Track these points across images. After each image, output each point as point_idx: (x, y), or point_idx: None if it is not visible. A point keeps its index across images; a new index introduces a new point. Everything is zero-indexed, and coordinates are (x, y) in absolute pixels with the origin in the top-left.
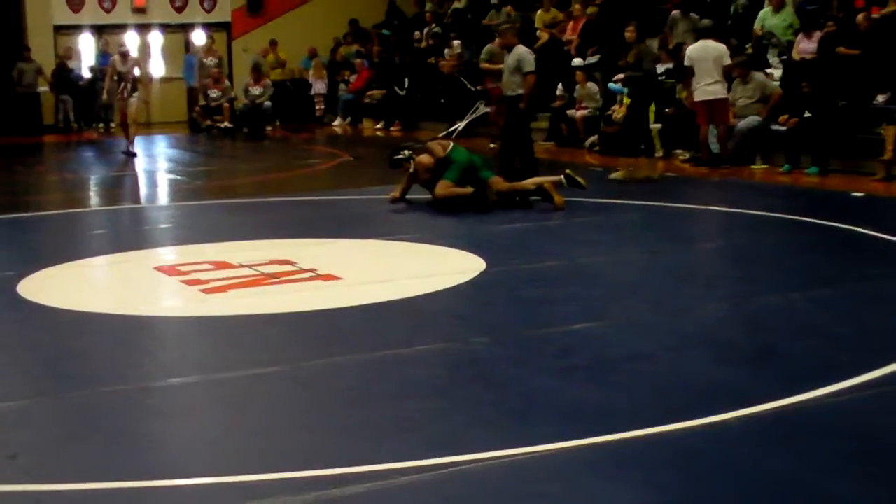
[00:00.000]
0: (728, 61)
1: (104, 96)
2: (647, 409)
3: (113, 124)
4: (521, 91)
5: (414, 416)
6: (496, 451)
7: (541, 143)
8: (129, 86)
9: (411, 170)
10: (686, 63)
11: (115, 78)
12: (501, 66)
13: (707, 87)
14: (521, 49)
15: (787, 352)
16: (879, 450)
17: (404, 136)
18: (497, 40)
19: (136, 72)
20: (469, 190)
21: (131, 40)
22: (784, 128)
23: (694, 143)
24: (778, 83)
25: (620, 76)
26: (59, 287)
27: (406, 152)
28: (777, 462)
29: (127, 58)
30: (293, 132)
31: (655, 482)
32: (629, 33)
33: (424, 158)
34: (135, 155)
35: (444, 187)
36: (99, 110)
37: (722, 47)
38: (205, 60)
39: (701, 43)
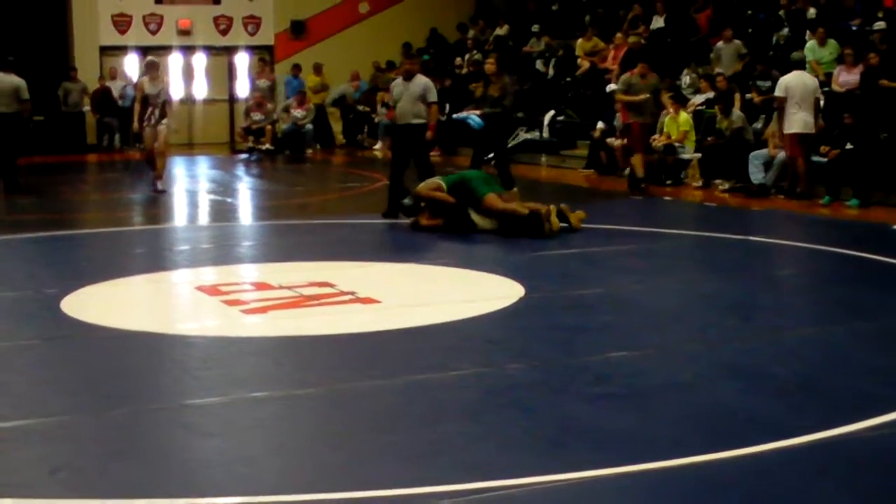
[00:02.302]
0: (820, 94)
1: (135, 123)
2: (683, 439)
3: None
4: (422, 120)
5: (449, 440)
6: (530, 477)
7: (580, 171)
8: (156, 111)
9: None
10: (779, 93)
11: (142, 102)
12: (642, 97)
13: (803, 120)
14: (424, 78)
15: (825, 384)
16: None
17: (443, 162)
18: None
19: (170, 95)
20: (525, 211)
21: (174, 62)
22: (825, 159)
23: (733, 172)
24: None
25: (476, 111)
26: (101, 305)
27: (408, 200)
28: (814, 496)
29: (157, 80)
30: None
31: None
32: (490, 65)
33: (429, 184)
34: (163, 192)
35: (495, 200)
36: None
37: (815, 79)
38: (258, 82)
39: (797, 73)
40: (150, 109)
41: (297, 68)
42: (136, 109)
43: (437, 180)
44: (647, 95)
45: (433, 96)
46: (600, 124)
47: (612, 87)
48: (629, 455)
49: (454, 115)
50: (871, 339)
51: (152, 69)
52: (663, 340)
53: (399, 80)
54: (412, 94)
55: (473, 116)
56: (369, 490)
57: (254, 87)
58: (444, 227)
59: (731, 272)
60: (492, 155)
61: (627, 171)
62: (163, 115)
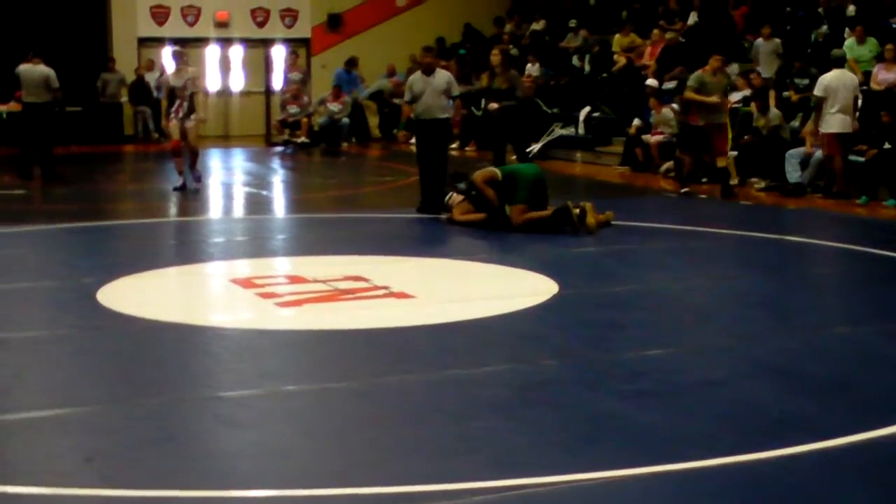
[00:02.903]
0: (859, 93)
1: (164, 119)
2: (716, 438)
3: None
4: (447, 115)
5: (481, 436)
6: (562, 475)
7: (615, 168)
8: (185, 104)
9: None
10: (818, 93)
11: (168, 95)
12: (714, 98)
13: (841, 119)
14: (446, 72)
15: (859, 384)
16: None
17: (479, 157)
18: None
19: (202, 85)
20: (548, 213)
21: (212, 54)
22: (862, 159)
23: (770, 171)
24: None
25: (494, 105)
26: (136, 295)
27: (463, 184)
28: (849, 497)
29: (181, 71)
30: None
31: None
32: (494, 57)
33: (485, 173)
34: (183, 188)
35: (518, 213)
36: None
37: (856, 78)
38: (289, 75)
39: (838, 72)
40: (177, 102)
41: (350, 63)
42: (163, 103)
43: (493, 169)
44: (718, 99)
45: (457, 90)
46: (636, 121)
47: (651, 81)
48: (662, 454)
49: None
50: None
51: (176, 60)
52: (698, 338)
53: (418, 75)
54: (436, 88)
55: None
56: (399, 485)
57: (287, 80)
58: (482, 224)
59: (767, 271)
60: (530, 148)
61: (687, 174)
62: (191, 109)
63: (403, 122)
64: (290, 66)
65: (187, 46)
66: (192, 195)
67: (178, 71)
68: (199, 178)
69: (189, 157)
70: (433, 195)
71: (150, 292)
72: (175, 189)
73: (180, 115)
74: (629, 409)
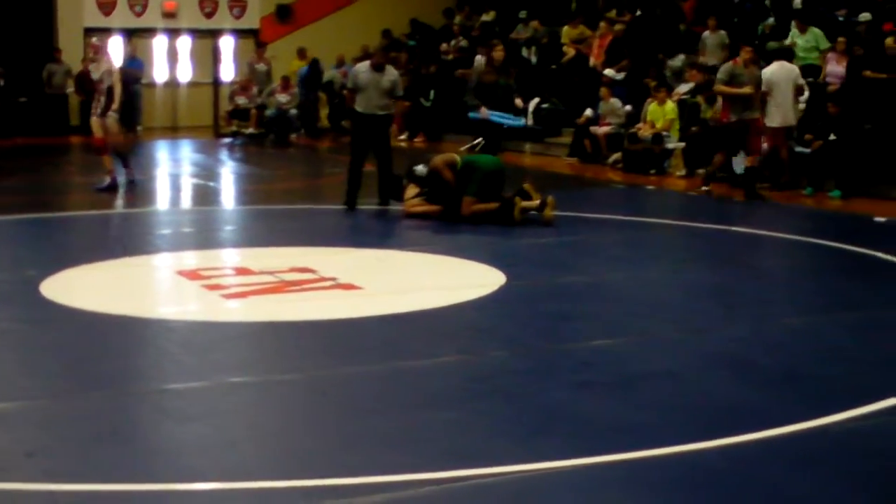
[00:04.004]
0: (802, 82)
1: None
2: (666, 428)
3: (139, 127)
4: (387, 112)
5: (431, 427)
6: (512, 465)
7: (564, 159)
8: (102, 99)
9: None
10: (764, 87)
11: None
12: (746, 89)
13: (784, 112)
14: (395, 72)
15: (809, 375)
16: None
17: (428, 148)
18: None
19: (122, 77)
20: (495, 205)
21: (159, 44)
22: (808, 150)
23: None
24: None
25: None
26: (81, 288)
27: (422, 168)
28: (797, 485)
29: (99, 64)
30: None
31: (673, 502)
32: (499, 52)
33: (446, 157)
34: (110, 189)
35: (467, 205)
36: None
37: (796, 69)
38: (256, 66)
39: (777, 65)
40: (95, 97)
41: (302, 52)
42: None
43: (454, 155)
44: (751, 90)
45: (400, 91)
46: (588, 111)
47: (609, 72)
48: (612, 444)
49: (493, 117)
50: (854, 330)
51: (94, 52)
52: (647, 329)
53: (366, 67)
54: (381, 86)
55: (510, 117)
56: (349, 477)
57: (251, 71)
58: (434, 215)
59: (715, 262)
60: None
61: (707, 171)
62: (108, 105)
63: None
64: (258, 57)
65: (134, 37)
66: (138, 187)
67: (96, 63)
68: (132, 180)
69: (118, 155)
70: (386, 186)
71: (95, 284)
72: (99, 190)
73: (98, 111)
74: (578, 399)
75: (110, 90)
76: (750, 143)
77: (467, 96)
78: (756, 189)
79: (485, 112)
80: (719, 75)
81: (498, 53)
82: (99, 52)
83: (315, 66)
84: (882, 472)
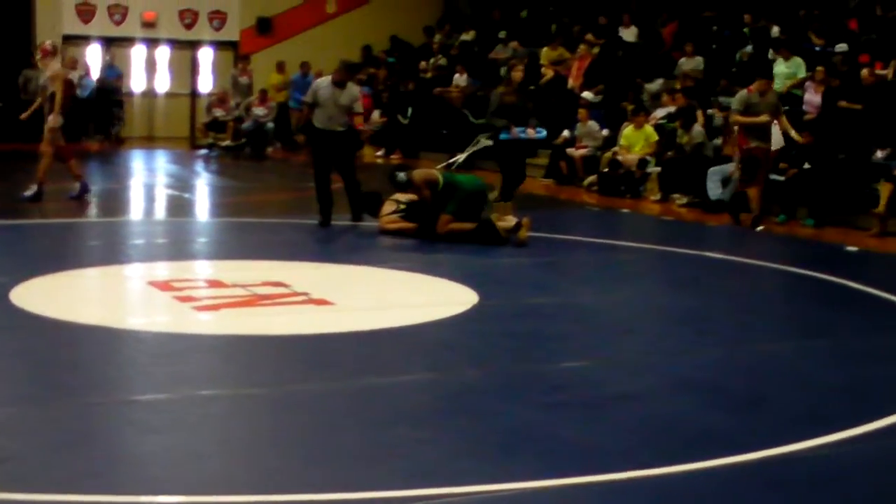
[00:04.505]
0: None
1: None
2: (634, 451)
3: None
4: (345, 129)
5: (400, 445)
6: (480, 485)
7: (540, 180)
8: (46, 105)
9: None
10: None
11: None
12: (763, 118)
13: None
14: (356, 88)
15: (778, 401)
16: None
17: (404, 165)
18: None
19: (65, 85)
20: (472, 226)
21: (138, 54)
22: (782, 178)
23: (692, 187)
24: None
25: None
26: (51, 296)
27: (402, 175)
28: None
29: (47, 67)
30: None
31: None
32: (518, 73)
33: (427, 174)
34: (36, 199)
35: (443, 223)
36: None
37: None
38: (239, 79)
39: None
40: (38, 103)
41: (306, 66)
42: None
43: (436, 174)
44: (768, 118)
45: (360, 107)
46: (566, 132)
47: (587, 94)
48: (580, 466)
49: (520, 135)
50: (824, 357)
51: (43, 55)
52: (618, 352)
53: (327, 83)
54: (341, 102)
55: (539, 129)
56: (316, 493)
57: (234, 84)
58: (414, 233)
59: (687, 286)
60: (454, 158)
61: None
62: (50, 111)
63: (297, 127)
64: (242, 70)
65: (113, 46)
66: (113, 196)
67: (43, 68)
68: (83, 189)
69: (40, 162)
70: (354, 207)
71: (65, 293)
72: (72, 198)
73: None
74: (548, 420)
75: (52, 96)
76: (759, 172)
77: (489, 119)
78: (761, 218)
79: (515, 131)
80: (734, 105)
81: (517, 74)
82: (47, 55)
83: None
84: (846, 502)
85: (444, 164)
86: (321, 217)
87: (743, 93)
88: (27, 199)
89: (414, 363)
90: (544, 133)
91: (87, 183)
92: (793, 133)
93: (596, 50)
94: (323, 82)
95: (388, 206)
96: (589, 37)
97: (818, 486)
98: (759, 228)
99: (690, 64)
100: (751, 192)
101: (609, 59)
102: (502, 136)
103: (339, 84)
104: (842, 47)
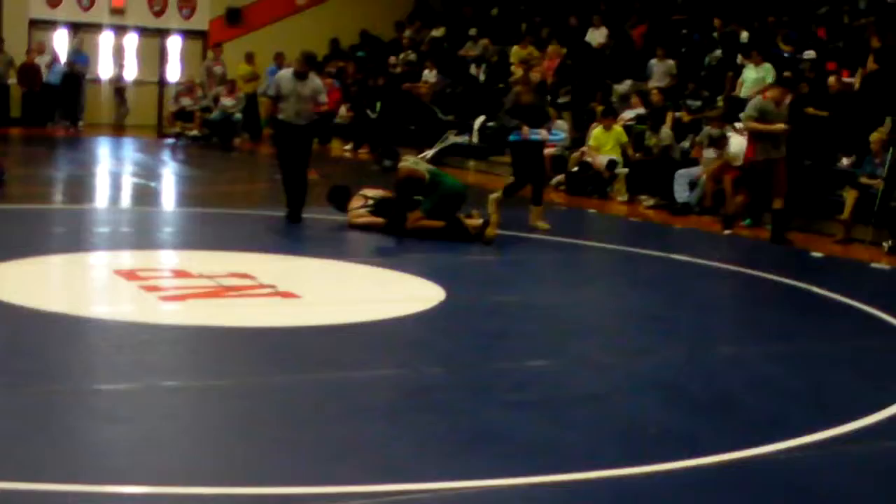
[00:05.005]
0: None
1: None
2: (597, 451)
3: (81, 123)
4: (308, 122)
5: (362, 440)
6: (441, 482)
7: (508, 178)
8: None
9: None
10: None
11: None
12: (779, 126)
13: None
14: (318, 80)
15: (739, 404)
16: None
17: (373, 159)
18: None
19: None
20: (440, 224)
21: (105, 40)
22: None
23: (658, 189)
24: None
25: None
26: (15, 283)
27: (388, 162)
28: None
29: None
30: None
31: None
32: (537, 74)
33: (414, 169)
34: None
35: (413, 219)
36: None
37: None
38: (213, 69)
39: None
40: None
41: (280, 57)
42: None
43: (423, 171)
44: (785, 126)
45: (323, 98)
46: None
47: (515, 90)
48: (541, 465)
49: (532, 136)
50: (786, 362)
51: None
52: (582, 352)
53: (289, 75)
54: (304, 94)
55: (555, 132)
56: (278, 486)
57: (208, 73)
58: (381, 228)
59: (652, 288)
60: (423, 154)
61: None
62: None
63: (266, 120)
64: (214, 59)
65: (81, 31)
66: (79, 183)
67: None
68: None
69: None
70: (297, 202)
71: (29, 280)
72: None
73: None
74: (510, 419)
75: None
76: (777, 183)
77: (503, 119)
78: (784, 233)
79: (526, 132)
80: (748, 111)
81: (535, 74)
82: None
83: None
84: None
85: (433, 150)
86: (289, 210)
87: (758, 99)
88: None
89: (379, 359)
90: (561, 136)
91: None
92: None
93: (564, 51)
94: (285, 74)
95: (357, 201)
96: (553, 45)
97: (777, 490)
98: (727, 233)
99: (663, 67)
100: (737, 198)
101: (578, 59)
102: (512, 137)
103: (300, 76)
104: (809, 54)
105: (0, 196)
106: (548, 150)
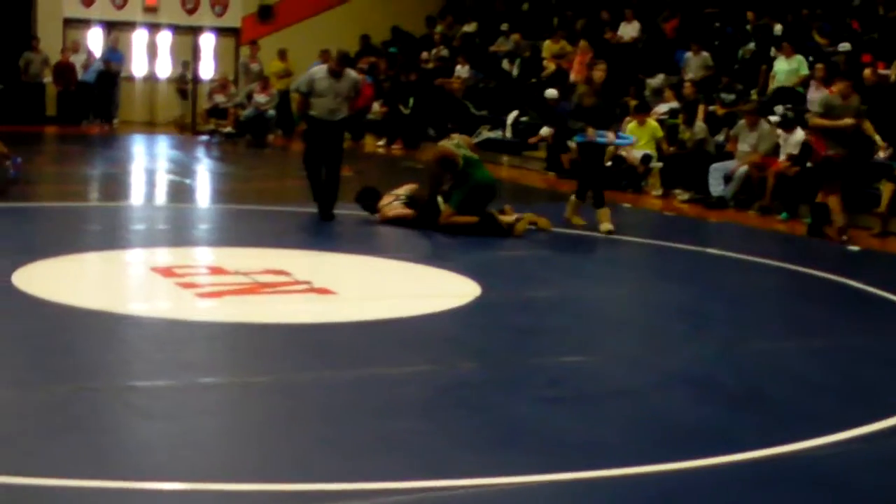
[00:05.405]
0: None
1: None
2: (630, 447)
3: (115, 121)
4: (343, 117)
5: (398, 436)
6: (476, 478)
7: (541, 173)
8: None
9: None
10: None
11: None
12: (846, 121)
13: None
14: (354, 75)
15: (773, 399)
16: None
17: (405, 155)
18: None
19: None
20: (474, 219)
21: (139, 38)
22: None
23: (693, 183)
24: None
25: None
26: (53, 280)
27: (370, 201)
28: None
29: None
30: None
31: None
32: (599, 73)
33: (452, 150)
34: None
35: (446, 215)
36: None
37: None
38: (250, 66)
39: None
40: None
41: (325, 54)
42: None
43: (460, 154)
44: (852, 121)
45: (358, 92)
46: (544, 129)
47: (549, 92)
48: (575, 461)
49: (598, 139)
50: (822, 356)
51: None
52: (615, 347)
53: (324, 74)
54: (340, 92)
55: (623, 136)
56: (314, 483)
57: (245, 71)
58: (410, 222)
59: (687, 282)
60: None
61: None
62: None
63: (299, 116)
64: (251, 57)
65: (114, 30)
66: (114, 181)
67: None
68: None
69: None
70: (329, 199)
71: (67, 277)
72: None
73: None
74: (545, 415)
75: None
76: (833, 179)
77: (569, 121)
78: (822, 228)
79: (592, 133)
80: (817, 107)
81: (598, 74)
82: None
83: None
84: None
85: (475, 139)
86: (319, 210)
87: (824, 94)
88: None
89: (414, 355)
90: (630, 139)
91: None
92: (878, 139)
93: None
94: (319, 72)
95: (387, 199)
96: (583, 43)
97: (813, 485)
98: (845, 238)
99: (698, 60)
100: (830, 202)
101: (610, 54)
102: (578, 138)
103: (335, 74)
104: (844, 47)
105: (17, 194)
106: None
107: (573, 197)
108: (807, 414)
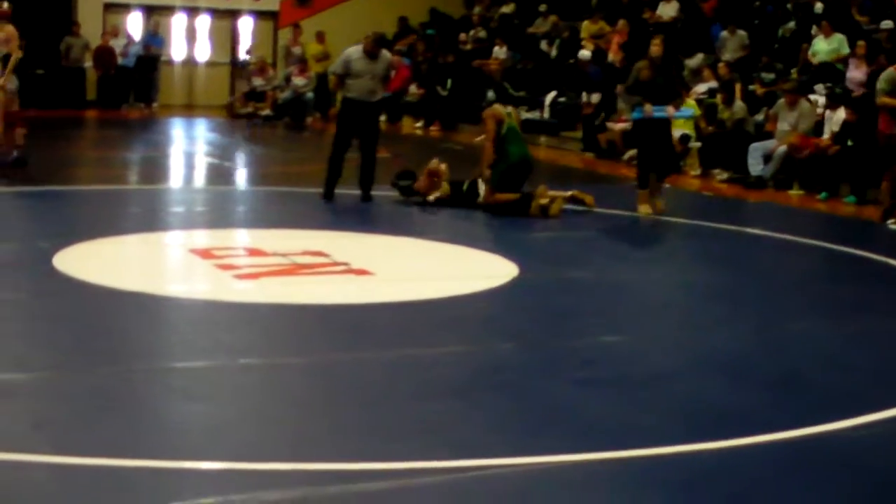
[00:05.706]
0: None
1: None
2: (666, 428)
3: (155, 104)
4: (379, 97)
5: (435, 417)
6: (513, 458)
7: (579, 154)
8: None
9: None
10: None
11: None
12: None
13: None
14: (389, 57)
15: (810, 381)
16: None
17: (443, 137)
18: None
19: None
20: (515, 196)
21: (178, 22)
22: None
23: (732, 163)
24: (822, 110)
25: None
26: (93, 262)
27: (406, 182)
28: (793, 493)
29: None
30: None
31: (668, 503)
32: (656, 48)
33: (500, 113)
34: (21, 163)
35: (488, 194)
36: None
37: None
38: (293, 49)
39: None
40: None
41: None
42: None
43: (507, 123)
44: None
45: (393, 72)
46: (595, 96)
47: (583, 53)
48: (611, 442)
49: (656, 114)
50: (857, 338)
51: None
52: (652, 328)
53: (360, 54)
54: (377, 73)
55: (685, 110)
56: (351, 462)
57: (287, 54)
58: (448, 201)
59: (724, 263)
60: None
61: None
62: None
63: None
64: (293, 40)
65: (154, 14)
66: (153, 163)
67: None
68: (19, 161)
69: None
70: (367, 182)
71: (107, 259)
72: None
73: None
74: (581, 396)
75: (6, 57)
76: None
77: (625, 97)
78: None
79: (649, 109)
80: (880, 84)
81: (655, 49)
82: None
83: None
84: (876, 485)
85: (482, 137)
86: (325, 190)
87: (889, 71)
88: (10, 166)
89: (451, 336)
90: (690, 112)
91: (26, 157)
92: None
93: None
94: (354, 53)
95: (424, 181)
96: (622, 23)
97: (844, 467)
98: (890, 221)
99: (735, 40)
100: (884, 183)
101: (647, 34)
102: (635, 114)
103: (371, 55)
104: (887, 24)
105: (23, 177)
106: (619, 125)
107: (638, 190)
108: (842, 396)
